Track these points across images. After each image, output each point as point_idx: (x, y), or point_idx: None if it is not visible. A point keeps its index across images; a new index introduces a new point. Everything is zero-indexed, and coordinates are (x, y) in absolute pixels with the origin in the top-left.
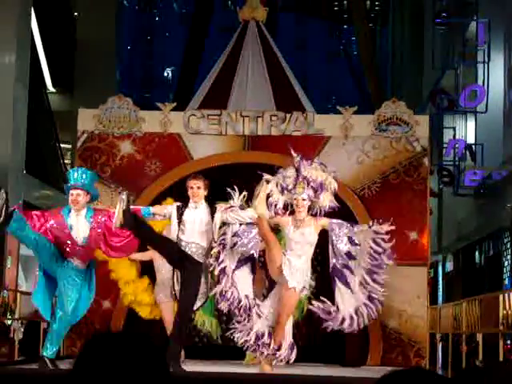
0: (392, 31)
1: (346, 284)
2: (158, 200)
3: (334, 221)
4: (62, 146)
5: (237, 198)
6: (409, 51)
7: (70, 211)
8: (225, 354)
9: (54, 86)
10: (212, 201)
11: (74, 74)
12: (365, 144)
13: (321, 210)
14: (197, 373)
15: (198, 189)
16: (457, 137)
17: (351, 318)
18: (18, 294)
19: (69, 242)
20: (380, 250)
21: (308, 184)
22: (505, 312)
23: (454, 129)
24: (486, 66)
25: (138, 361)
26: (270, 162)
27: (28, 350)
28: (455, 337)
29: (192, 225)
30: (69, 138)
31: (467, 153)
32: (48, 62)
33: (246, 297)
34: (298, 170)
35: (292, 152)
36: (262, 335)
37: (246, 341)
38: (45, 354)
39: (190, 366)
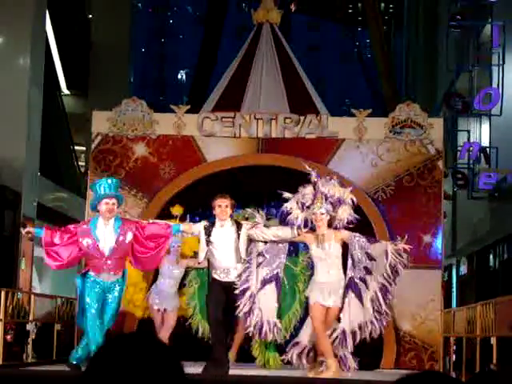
0: (406, 34)
1: (359, 297)
2: (171, 202)
3: (355, 234)
4: (76, 148)
5: (260, 216)
6: (423, 54)
7: (97, 223)
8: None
9: (68, 88)
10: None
11: (88, 76)
12: (379, 147)
13: (340, 224)
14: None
15: (225, 207)
16: (471, 140)
17: (353, 332)
18: (32, 296)
19: (97, 254)
20: (397, 268)
21: (326, 199)
22: None
23: (469, 132)
24: (500, 68)
25: (153, 362)
26: (284, 165)
27: (42, 352)
28: (469, 340)
29: (222, 245)
30: (83, 140)
31: (481, 156)
32: (62, 64)
33: (268, 322)
34: (315, 186)
35: (307, 167)
36: (304, 348)
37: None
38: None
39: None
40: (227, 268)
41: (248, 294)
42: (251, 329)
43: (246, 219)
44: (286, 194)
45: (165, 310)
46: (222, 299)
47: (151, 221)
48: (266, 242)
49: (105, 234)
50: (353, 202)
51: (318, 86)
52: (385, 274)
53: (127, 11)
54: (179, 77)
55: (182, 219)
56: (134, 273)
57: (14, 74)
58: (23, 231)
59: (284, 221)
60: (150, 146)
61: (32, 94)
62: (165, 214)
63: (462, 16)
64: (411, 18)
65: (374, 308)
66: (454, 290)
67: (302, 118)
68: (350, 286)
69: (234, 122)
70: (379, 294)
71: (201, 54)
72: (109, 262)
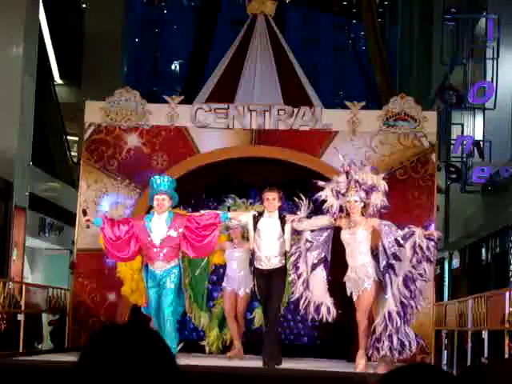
0: (401, 26)
1: (384, 286)
2: None
3: (384, 222)
4: (68, 138)
5: (304, 209)
6: (417, 47)
7: (152, 216)
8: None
9: (61, 78)
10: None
11: (81, 66)
12: (372, 139)
13: (374, 210)
14: (206, 367)
15: (273, 200)
16: (465, 133)
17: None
18: (24, 286)
19: (149, 245)
20: (426, 254)
21: (360, 187)
22: (511, 309)
23: (462, 125)
24: (494, 62)
25: (145, 353)
26: (277, 157)
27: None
28: (460, 334)
29: (267, 234)
30: (76, 130)
31: (475, 149)
32: (56, 54)
33: (319, 303)
34: (347, 175)
35: (341, 157)
36: None
37: None
38: None
39: (197, 360)
40: (269, 256)
41: (301, 280)
42: (302, 311)
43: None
44: (320, 183)
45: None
46: (267, 287)
47: (202, 212)
48: (312, 230)
49: (157, 226)
50: (385, 188)
51: (312, 78)
52: (411, 262)
53: (121, 1)
54: (173, 67)
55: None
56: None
57: (7, 63)
58: (84, 219)
59: (320, 209)
60: (143, 137)
61: (25, 83)
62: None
63: (457, 9)
64: (406, 10)
65: (398, 298)
66: (446, 283)
67: (295, 109)
68: (377, 273)
69: (228, 113)
70: (402, 283)
71: (195, 45)
72: (161, 252)
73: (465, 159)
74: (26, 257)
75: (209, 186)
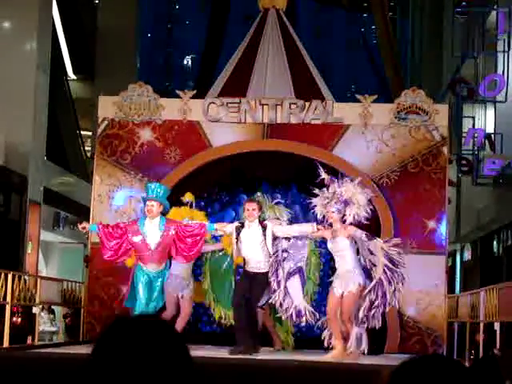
0: (412, 20)
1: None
2: (177, 187)
3: (357, 230)
4: (82, 132)
5: (284, 212)
6: (428, 40)
7: (144, 221)
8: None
9: (74, 73)
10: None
11: (94, 61)
12: (384, 132)
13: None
14: (218, 358)
15: (253, 210)
16: (476, 126)
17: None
18: (39, 279)
19: (143, 247)
20: (390, 265)
21: (338, 199)
22: None
23: (474, 118)
24: (505, 55)
25: (157, 344)
26: (289, 150)
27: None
28: (472, 325)
29: (250, 242)
30: (89, 125)
31: (486, 142)
32: (69, 49)
33: (300, 307)
34: (328, 187)
35: (322, 173)
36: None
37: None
38: None
39: (211, 352)
40: (257, 261)
41: (281, 285)
42: (285, 315)
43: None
44: (323, 175)
45: (182, 296)
46: (247, 288)
47: (189, 222)
48: (289, 239)
49: (151, 230)
50: (364, 201)
51: (324, 71)
52: (382, 270)
53: None
54: (185, 62)
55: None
56: None
57: (21, 59)
58: (80, 226)
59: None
60: (156, 131)
61: (39, 78)
62: (171, 200)
63: (468, 2)
64: (417, 4)
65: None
66: (458, 275)
67: (307, 103)
68: (363, 279)
69: (240, 107)
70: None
71: (207, 40)
72: (154, 254)
73: (476, 152)
74: (41, 250)
75: (221, 179)
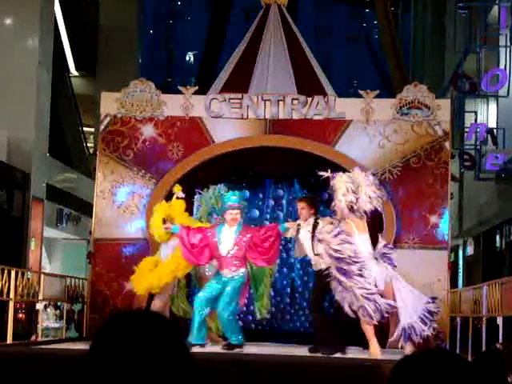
0: (414, 14)
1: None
2: (179, 183)
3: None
4: (84, 129)
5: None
6: (430, 35)
7: (223, 227)
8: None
9: (77, 69)
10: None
11: (96, 57)
12: (386, 128)
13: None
14: (218, 354)
15: (301, 209)
16: (478, 121)
17: None
18: (42, 276)
19: (218, 254)
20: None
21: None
22: None
23: (476, 113)
24: (508, 49)
25: (156, 339)
26: (291, 146)
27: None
28: (475, 320)
29: (302, 241)
30: (91, 121)
31: (489, 137)
32: (71, 45)
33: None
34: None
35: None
36: None
37: None
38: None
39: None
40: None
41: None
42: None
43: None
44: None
45: None
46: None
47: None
48: None
49: (226, 238)
50: (344, 190)
51: (326, 67)
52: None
53: None
54: (187, 58)
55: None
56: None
57: (23, 56)
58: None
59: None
60: (158, 127)
61: (41, 75)
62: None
63: None
64: None
65: None
66: (461, 270)
67: (309, 99)
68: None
69: (242, 103)
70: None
71: (209, 36)
72: (228, 262)
73: (478, 147)
74: (44, 247)
75: (223, 175)
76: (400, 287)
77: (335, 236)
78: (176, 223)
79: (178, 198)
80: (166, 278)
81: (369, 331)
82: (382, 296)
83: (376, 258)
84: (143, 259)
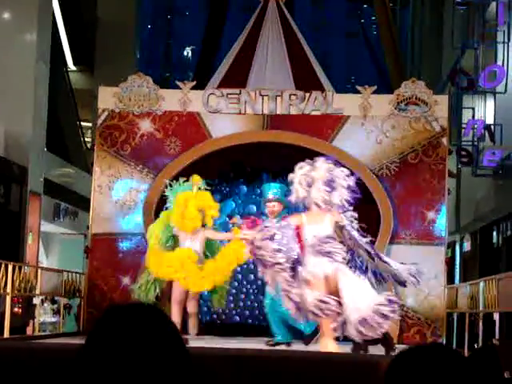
0: (412, 10)
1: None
2: (177, 178)
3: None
4: (82, 124)
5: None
6: (428, 31)
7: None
8: (242, 331)
9: (74, 64)
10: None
11: (94, 52)
12: (384, 124)
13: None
14: (215, 348)
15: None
16: (476, 117)
17: None
18: (39, 270)
19: None
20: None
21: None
22: None
23: (473, 109)
24: (505, 46)
25: (151, 332)
26: (289, 141)
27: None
28: (472, 316)
29: None
30: (89, 116)
31: (486, 133)
32: (69, 40)
33: None
34: None
35: None
36: None
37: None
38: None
39: (207, 342)
40: None
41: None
42: None
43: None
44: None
45: None
46: None
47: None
48: None
49: None
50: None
51: (324, 63)
52: None
53: None
54: (185, 53)
55: None
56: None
57: (21, 50)
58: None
59: None
60: (156, 122)
61: (38, 69)
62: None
63: None
64: None
65: None
66: (457, 266)
67: (307, 94)
68: None
69: (240, 98)
70: None
71: (207, 31)
72: None
73: (476, 143)
74: (41, 241)
75: (221, 170)
76: (345, 283)
77: (259, 232)
78: (208, 213)
79: (200, 188)
80: (228, 271)
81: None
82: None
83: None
84: (168, 258)
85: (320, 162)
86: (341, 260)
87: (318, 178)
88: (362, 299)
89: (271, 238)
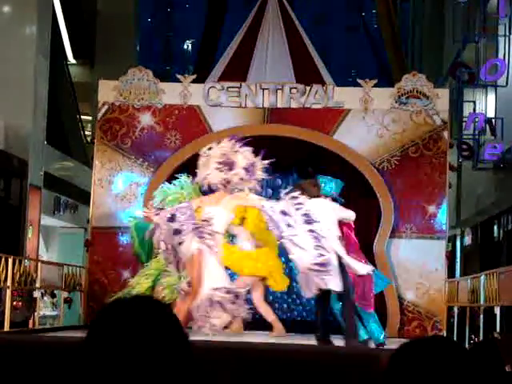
0: (413, 4)
1: None
2: (177, 171)
3: None
4: (82, 117)
5: None
6: (429, 24)
7: None
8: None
9: (74, 57)
10: None
11: (94, 45)
12: (384, 117)
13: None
14: (216, 342)
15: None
16: (477, 110)
17: None
18: (39, 264)
19: None
20: None
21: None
22: None
23: (474, 102)
24: (506, 39)
25: (153, 325)
26: (290, 135)
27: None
28: (472, 310)
29: None
30: (89, 109)
31: (487, 126)
32: (69, 33)
33: None
34: None
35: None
36: None
37: None
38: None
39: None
40: None
41: None
42: None
43: None
44: None
45: None
46: None
47: None
48: None
49: None
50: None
51: (324, 56)
52: None
53: None
54: (185, 47)
55: None
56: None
57: (21, 43)
58: None
59: None
60: (156, 116)
61: (38, 62)
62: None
63: None
64: None
65: None
66: (458, 260)
67: (307, 88)
68: None
69: (240, 91)
70: None
71: (207, 24)
72: None
73: (477, 136)
74: (41, 235)
75: None
76: (206, 263)
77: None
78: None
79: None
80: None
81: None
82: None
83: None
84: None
85: (223, 142)
86: (210, 241)
87: (213, 157)
88: (213, 282)
89: (171, 219)
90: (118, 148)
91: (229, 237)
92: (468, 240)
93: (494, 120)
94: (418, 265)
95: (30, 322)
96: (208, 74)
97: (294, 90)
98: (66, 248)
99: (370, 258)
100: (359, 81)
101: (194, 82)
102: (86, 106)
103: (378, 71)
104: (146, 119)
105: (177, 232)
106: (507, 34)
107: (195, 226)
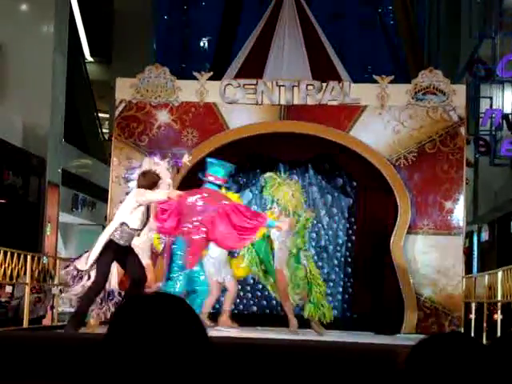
0: (429, 0)
1: None
2: (194, 170)
3: None
4: (100, 115)
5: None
6: (446, 20)
7: None
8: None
9: (92, 55)
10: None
11: (111, 43)
12: (401, 113)
13: None
14: (236, 338)
15: None
16: (493, 106)
17: None
18: (58, 261)
19: None
20: None
21: None
22: None
23: (491, 98)
24: None
25: (173, 321)
26: (306, 132)
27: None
28: (490, 306)
29: None
30: (107, 107)
31: (504, 122)
32: (86, 31)
33: None
34: None
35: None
36: None
37: None
38: None
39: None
40: None
41: None
42: None
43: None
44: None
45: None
46: None
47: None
48: None
49: None
50: None
51: (340, 52)
52: None
53: None
54: (202, 44)
55: None
56: None
57: (39, 41)
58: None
59: None
60: (173, 113)
61: (56, 61)
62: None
63: None
64: None
65: None
66: (475, 256)
67: (324, 84)
68: None
69: (257, 88)
70: None
71: (223, 21)
72: None
73: (493, 132)
74: (60, 232)
75: (238, 161)
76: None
77: None
78: None
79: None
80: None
81: None
82: None
83: None
84: None
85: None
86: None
87: None
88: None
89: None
90: (136, 145)
91: None
92: (485, 236)
93: (510, 116)
94: (435, 261)
95: (49, 318)
96: (224, 72)
97: (310, 87)
98: (84, 245)
99: (387, 254)
100: (375, 77)
101: (210, 79)
102: (104, 104)
103: (394, 67)
104: (162, 117)
105: None
106: None
107: None
